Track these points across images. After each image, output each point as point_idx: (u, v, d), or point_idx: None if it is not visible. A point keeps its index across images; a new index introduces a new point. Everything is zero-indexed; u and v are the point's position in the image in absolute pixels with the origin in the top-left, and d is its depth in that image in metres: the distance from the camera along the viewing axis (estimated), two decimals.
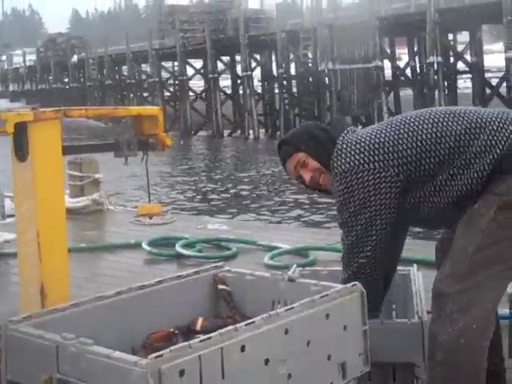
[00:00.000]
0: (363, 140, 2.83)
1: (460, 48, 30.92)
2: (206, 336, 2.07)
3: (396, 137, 2.80)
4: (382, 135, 2.82)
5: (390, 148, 2.78)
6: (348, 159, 2.80)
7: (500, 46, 31.75)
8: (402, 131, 2.81)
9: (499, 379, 2.98)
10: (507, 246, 2.67)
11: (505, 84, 25.87)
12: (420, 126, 2.80)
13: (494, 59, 35.95)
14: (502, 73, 27.39)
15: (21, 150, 2.83)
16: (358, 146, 2.82)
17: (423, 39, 28.13)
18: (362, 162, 2.78)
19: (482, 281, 2.63)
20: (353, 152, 2.81)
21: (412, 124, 2.82)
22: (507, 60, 24.63)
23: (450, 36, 30.23)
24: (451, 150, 2.74)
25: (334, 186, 2.85)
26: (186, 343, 2.00)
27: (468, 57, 29.61)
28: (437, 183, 2.76)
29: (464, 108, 2.87)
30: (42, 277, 2.83)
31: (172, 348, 1.96)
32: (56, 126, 2.86)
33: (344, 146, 2.85)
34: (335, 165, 2.83)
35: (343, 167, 2.80)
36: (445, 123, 2.78)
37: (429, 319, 2.83)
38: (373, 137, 2.83)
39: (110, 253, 6.40)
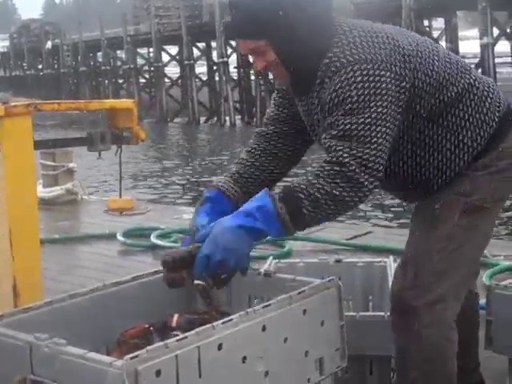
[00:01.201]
0: (380, 37, 2.34)
1: (435, 34, 31.01)
2: (183, 335, 2.04)
3: (416, 57, 2.38)
4: (401, 47, 2.36)
5: (409, 61, 2.35)
6: (367, 46, 2.29)
7: (475, 32, 31.92)
8: (420, 56, 2.40)
9: (475, 373, 2.97)
10: (470, 249, 2.53)
11: (480, 70, 25.99)
12: (436, 62, 2.43)
13: (469, 45, 36.12)
14: (477, 59, 27.54)
15: None
16: (374, 38, 2.32)
17: (398, 25, 28.13)
18: (386, 59, 2.28)
19: (449, 290, 2.48)
20: (370, 43, 2.30)
21: (428, 57, 2.43)
22: (482, 46, 24.75)
23: (426, 22, 30.31)
24: (450, 101, 2.42)
25: (343, 81, 2.26)
26: (162, 343, 1.97)
27: (443, 43, 29.68)
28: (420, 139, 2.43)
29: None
30: (15, 273, 2.79)
31: (148, 348, 1.94)
32: (27, 120, 2.82)
33: (355, 34, 2.33)
34: (348, 54, 2.27)
35: (364, 56, 2.26)
36: (456, 70, 2.45)
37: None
38: (392, 44, 2.35)
39: (85, 244, 6.35)
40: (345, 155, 2.20)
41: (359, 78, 2.23)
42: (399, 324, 2.52)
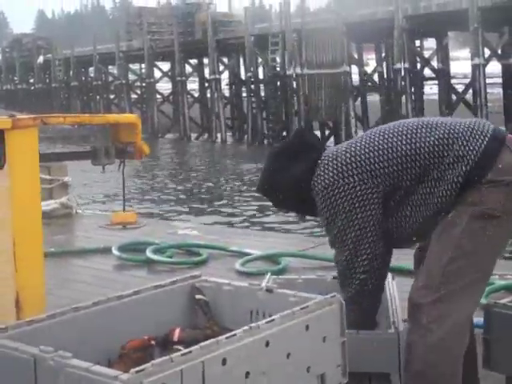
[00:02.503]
0: (338, 156, 2.86)
1: (427, 54, 31.18)
2: (187, 350, 2.05)
3: (372, 149, 2.82)
4: (358, 149, 2.84)
5: (367, 160, 2.80)
6: (326, 175, 2.83)
7: (466, 52, 32.07)
8: (377, 144, 2.82)
9: None
10: (479, 256, 2.70)
11: (471, 90, 26.14)
12: (395, 140, 2.81)
13: (459, 66, 36.30)
14: (468, 79, 27.69)
15: None
16: (334, 162, 2.85)
17: (391, 45, 28.32)
18: (341, 176, 2.81)
19: (455, 291, 2.65)
20: (330, 168, 2.84)
21: (387, 137, 2.83)
22: (473, 67, 24.90)
23: (417, 42, 30.49)
24: (427, 164, 2.76)
25: (318, 206, 2.87)
26: (167, 357, 1.98)
27: (435, 63, 29.86)
28: (416, 198, 2.77)
29: (436, 119, 2.89)
30: (18, 286, 2.79)
31: (154, 362, 1.94)
32: (33, 133, 2.82)
33: (321, 166, 2.87)
34: (315, 184, 2.86)
35: (323, 184, 2.83)
36: (418, 136, 2.79)
37: (405, 328, 2.84)
38: (348, 151, 2.85)
39: (80, 258, 6.34)
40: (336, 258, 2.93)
41: (323, 205, 2.84)
42: (410, 323, 2.71)
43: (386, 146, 2.80)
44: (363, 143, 2.86)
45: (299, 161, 2.94)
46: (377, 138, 2.84)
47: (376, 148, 2.81)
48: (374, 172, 2.78)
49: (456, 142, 2.74)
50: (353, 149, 2.85)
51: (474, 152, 2.71)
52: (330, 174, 2.83)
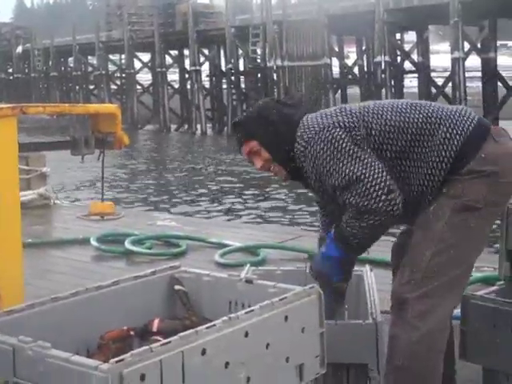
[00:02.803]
0: (328, 112, 2.86)
1: (407, 48, 31.27)
2: (167, 340, 2.05)
3: (360, 113, 2.81)
4: (347, 109, 2.85)
5: (356, 116, 2.79)
6: (317, 122, 2.79)
7: (445, 46, 32.22)
8: (367, 109, 2.82)
9: (451, 381, 3.02)
10: (462, 249, 2.70)
11: (450, 84, 26.26)
12: (385, 110, 2.80)
13: (439, 59, 36.47)
14: (448, 73, 27.81)
15: None
16: (323, 114, 2.84)
17: (371, 38, 28.39)
18: (332, 121, 2.77)
19: (439, 286, 2.66)
20: (319, 119, 2.81)
21: (378, 106, 2.83)
22: (453, 60, 25.01)
23: (398, 36, 30.57)
24: (412, 140, 2.73)
25: (313, 154, 2.76)
26: (146, 347, 1.98)
27: (415, 56, 29.96)
28: (399, 174, 2.74)
29: (425, 102, 2.89)
30: None
31: (133, 352, 1.94)
32: (12, 123, 2.81)
33: (309, 118, 2.84)
34: (305, 136, 2.78)
35: (316, 128, 2.77)
36: (408, 113, 2.77)
37: (385, 320, 2.86)
38: (336, 109, 2.87)
39: (58, 249, 6.32)
40: (351, 199, 2.69)
41: (318, 148, 2.74)
42: (394, 316, 2.72)
43: (376, 112, 2.79)
44: (352, 107, 2.86)
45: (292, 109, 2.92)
46: (368, 104, 2.86)
47: (366, 112, 2.80)
48: (364, 129, 2.76)
49: (443, 123, 2.73)
50: (342, 108, 2.85)
51: (461, 136, 2.70)
52: (321, 120, 2.79)
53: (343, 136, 2.71)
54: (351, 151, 2.69)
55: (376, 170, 2.67)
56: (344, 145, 2.70)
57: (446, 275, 2.67)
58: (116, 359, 1.90)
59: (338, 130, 2.72)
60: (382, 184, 2.65)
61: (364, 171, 2.66)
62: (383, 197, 2.63)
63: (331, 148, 2.71)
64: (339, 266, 2.85)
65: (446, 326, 2.72)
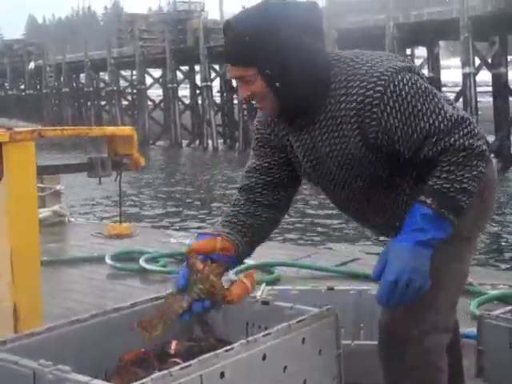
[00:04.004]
0: (374, 55, 2.33)
1: (418, 63, 31.30)
2: (186, 363, 2.06)
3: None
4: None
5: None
6: (377, 62, 2.24)
7: (456, 61, 32.24)
8: None
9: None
10: (458, 277, 2.48)
11: (461, 99, 26.26)
12: None
13: (450, 74, 36.48)
14: (459, 88, 27.81)
15: None
16: (374, 57, 2.29)
17: None
18: (402, 65, 2.25)
19: (437, 321, 2.42)
20: (376, 59, 2.27)
21: None
22: (464, 75, 25.02)
23: (408, 51, 30.62)
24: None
25: (400, 94, 2.18)
26: (166, 371, 1.99)
27: (425, 71, 29.98)
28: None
29: None
30: (15, 297, 2.80)
31: (153, 376, 1.95)
32: (31, 146, 2.84)
33: (355, 56, 2.30)
34: (376, 74, 2.19)
35: (389, 69, 2.20)
36: None
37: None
38: (385, 54, 2.37)
39: (73, 267, 6.33)
40: (461, 141, 2.17)
41: (407, 88, 2.18)
42: (390, 355, 2.46)
43: None
44: None
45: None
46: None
47: None
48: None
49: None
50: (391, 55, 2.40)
51: None
52: (380, 62, 2.24)
53: (422, 81, 2.25)
54: (439, 94, 2.24)
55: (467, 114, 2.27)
56: (430, 87, 2.23)
57: (445, 306, 2.43)
58: (138, 383, 1.91)
59: (412, 74, 2.24)
60: (482, 130, 2.26)
61: (464, 112, 2.25)
62: (484, 139, 2.24)
63: (422, 88, 2.20)
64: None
65: (445, 357, 2.45)
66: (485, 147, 2.20)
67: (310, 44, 2.19)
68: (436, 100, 2.20)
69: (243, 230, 2.49)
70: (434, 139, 2.17)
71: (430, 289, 2.31)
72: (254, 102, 2.31)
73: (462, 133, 2.17)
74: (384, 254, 2.22)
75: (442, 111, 2.18)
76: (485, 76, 29.36)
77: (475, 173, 2.18)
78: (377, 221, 2.46)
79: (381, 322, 2.47)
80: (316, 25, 2.25)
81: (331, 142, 2.28)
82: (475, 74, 25.26)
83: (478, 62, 26.16)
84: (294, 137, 2.39)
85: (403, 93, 2.17)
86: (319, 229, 12.63)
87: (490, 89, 28.72)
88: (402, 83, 2.18)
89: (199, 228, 13.29)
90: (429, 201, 2.16)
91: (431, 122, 2.17)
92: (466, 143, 2.17)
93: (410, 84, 2.18)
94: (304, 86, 2.21)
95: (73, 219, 8.57)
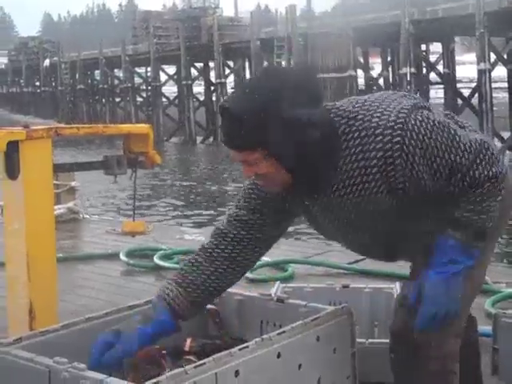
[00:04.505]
0: (376, 98, 2.30)
1: (433, 59, 31.20)
2: (201, 362, 2.07)
3: None
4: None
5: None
6: (387, 109, 2.19)
7: (471, 56, 32.10)
8: None
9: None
10: (474, 280, 2.43)
11: (476, 95, 26.13)
12: None
13: (465, 70, 36.31)
14: (474, 83, 27.68)
15: (12, 169, 2.82)
16: (377, 102, 2.26)
17: (396, 49, 28.35)
18: (409, 103, 2.23)
19: (453, 325, 2.38)
20: (381, 106, 2.22)
21: None
22: (479, 71, 24.88)
23: (423, 47, 30.51)
24: None
25: (417, 138, 2.13)
26: (181, 369, 2.00)
27: (440, 67, 29.87)
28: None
29: None
30: (31, 296, 2.82)
31: (168, 374, 1.96)
32: (47, 144, 2.85)
33: (362, 107, 2.22)
34: (388, 124, 2.14)
35: (399, 114, 2.16)
36: None
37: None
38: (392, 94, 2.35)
39: (87, 263, 6.35)
40: (485, 172, 2.16)
41: (422, 129, 2.15)
42: (406, 361, 2.45)
43: None
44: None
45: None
46: None
47: None
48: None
49: None
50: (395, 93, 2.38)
51: None
52: (386, 107, 2.20)
53: (431, 114, 2.23)
54: (451, 123, 2.22)
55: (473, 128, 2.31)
56: (441, 119, 2.21)
57: (461, 310, 2.39)
58: (152, 381, 1.92)
59: (422, 110, 2.22)
60: (490, 140, 2.26)
61: (476, 135, 2.23)
62: (498, 154, 2.23)
63: (436, 124, 2.16)
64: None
65: (458, 359, 2.45)
66: (503, 166, 2.19)
67: (309, 111, 2.11)
68: (453, 132, 2.17)
69: (196, 292, 2.43)
70: (459, 176, 2.16)
71: None
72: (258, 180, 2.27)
73: (484, 162, 2.16)
74: (419, 283, 2.26)
75: (461, 143, 2.16)
76: (500, 72, 29.20)
77: (500, 198, 2.21)
78: (400, 256, 2.53)
79: (394, 329, 2.48)
80: (311, 88, 2.19)
81: (356, 200, 2.25)
82: (491, 70, 25.10)
83: (493, 57, 26.01)
84: (310, 201, 2.35)
85: (420, 136, 2.13)
86: None
87: (506, 85, 28.59)
88: (416, 127, 2.14)
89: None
90: (458, 235, 2.20)
91: (452, 158, 2.15)
92: (490, 174, 2.16)
93: (423, 125, 2.15)
94: (312, 154, 2.16)
95: (87, 216, 8.59)
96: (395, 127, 2.13)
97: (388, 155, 2.13)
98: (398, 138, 2.12)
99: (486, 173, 2.15)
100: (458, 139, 2.16)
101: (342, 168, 2.20)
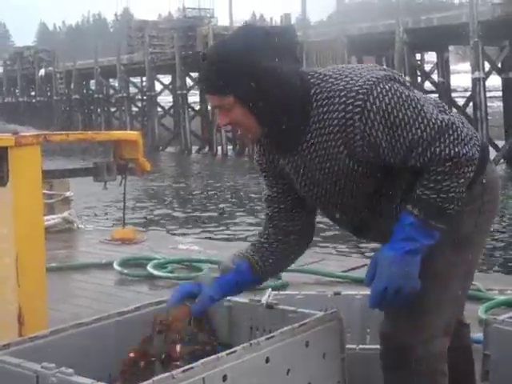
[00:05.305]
0: (354, 68, 2.32)
1: (427, 68, 31.29)
2: (188, 366, 2.07)
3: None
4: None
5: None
6: (357, 75, 2.22)
7: (465, 66, 32.18)
8: None
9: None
10: (462, 283, 2.47)
11: (471, 104, 26.21)
12: None
13: (460, 79, 36.41)
14: (468, 92, 27.77)
15: (1, 175, 2.82)
16: (352, 71, 2.28)
17: (391, 58, 28.44)
18: (381, 74, 2.24)
19: (440, 326, 2.43)
20: (354, 73, 2.25)
21: None
22: (474, 80, 24.98)
23: (418, 56, 30.61)
24: None
25: (379, 106, 2.17)
26: (168, 374, 1.99)
27: (435, 76, 29.96)
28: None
29: None
30: (20, 301, 2.81)
31: (155, 379, 1.96)
32: (36, 150, 2.85)
33: (333, 72, 2.27)
34: (354, 89, 2.18)
35: (368, 81, 2.19)
36: None
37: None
38: (366, 66, 2.36)
39: (81, 273, 6.34)
40: (447, 150, 2.16)
41: (387, 99, 2.17)
42: (394, 363, 2.45)
43: None
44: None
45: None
46: None
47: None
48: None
49: None
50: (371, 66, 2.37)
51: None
52: (359, 74, 2.23)
53: (403, 88, 2.23)
54: (422, 100, 2.22)
55: (455, 116, 2.27)
56: (412, 94, 2.21)
57: (448, 312, 2.44)
58: None
59: (393, 82, 2.23)
60: (471, 130, 2.23)
61: (449, 116, 2.22)
62: (474, 140, 2.20)
63: (403, 97, 2.18)
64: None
65: (446, 360, 2.45)
66: (473, 151, 2.18)
67: (284, 67, 2.19)
68: (419, 107, 2.18)
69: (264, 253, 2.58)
70: (420, 150, 2.17)
71: (433, 294, 2.37)
72: (235, 127, 2.32)
73: (447, 141, 2.16)
74: (374, 260, 2.28)
75: (425, 119, 2.17)
76: (495, 81, 29.31)
77: (463, 180, 2.19)
78: (373, 231, 2.48)
79: (382, 331, 2.48)
80: (290, 47, 2.26)
81: (320, 160, 2.30)
82: (485, 79, 25.20)
83: (487, 66, 26.11)
84: (284, 160, 2.40)
85: (383, 104, 2.16)
86: (327, 234, 12.60)
87: (500, 94, 28.68)
88: (381, 94, 2.17)
89: (208, 235, 13.28)
90: (416, 211, 2.20)
91: (414, 131, 2.16)
92: (452, 152, 2.16)
93: (389, 94, 2.18)
94: (283, 108, 2.23)
95: (82, 226, 8.59)
96: (360, 91, 2.17)
97: (349, 117, 2.17)
98: (360, 102, 2.16)
99: (447, 151, 2.15)
100: (423, 114, 2.17)
101: (311, 127, 2.26)
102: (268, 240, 2.57)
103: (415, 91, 2.30)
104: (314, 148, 2.29)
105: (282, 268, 2.75)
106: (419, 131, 2.16)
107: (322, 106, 2.23)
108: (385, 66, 2.40)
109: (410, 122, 2.17)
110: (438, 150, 2.15)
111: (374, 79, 2.20)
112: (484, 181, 2.38)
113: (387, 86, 2.19)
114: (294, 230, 2.55)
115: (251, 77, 2.17)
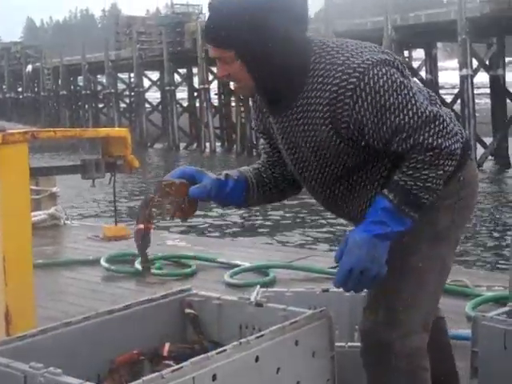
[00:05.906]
0: (359, 45, 2.34)
1: (415, 65, 31.34)
2: (178, 366, 2.05)
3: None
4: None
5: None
6: (356, 54, 2.24)
7: (453, 63, 32.27)
8: None
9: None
10: (440, 277, 2.48)
11: (459, 101, 26.29)
12: None
13: (448, 76, 36.51)
14: (456, 90, 27.85)
15: None
16: (357, 47, 2.30)
17: None
18: (383, 57, 2.26)
19: (419, 322, 2.43)
20: (356, 51, 2.27)
21: None
22: (461, 77, 25.05)
23: (406, 53, 30.66)
24: None
25: (373, 87, 2.19)
26: (158, 373, 1.98)
27: (423, 73, 30.02)
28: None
29: None
30: (7, 300, 2.79)
31: (144, 379, 1.94)
32: (24, 148, 2.83)
33: (335, 45, 2.29)
34: (352, 65, 2.20)
35: (367, 61, 2.21)
36: None
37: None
38: (369, 45, 2.37)
39: (68, 269, 6.33)
40: (429, 140, 2.18)
41: (382, 81, 2.19)
42: (375, 360, 2.47)
43: None
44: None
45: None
46: None
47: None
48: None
49: None
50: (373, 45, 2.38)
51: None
52: (361, 54, 2.25)
53: (399, 74, 2.25)
54: (414, 89, 2.24)
55: (444, 110, 2.29)
56: (406, 82, 2.23)
57: (426, 307, 2.45)
58: None
59: (390, 67, 2.24)
60: (457, 126, 2.27)
61: (438, 109, 2.24)
62: (458, 137, 2.23)
63: (397, 82, 2.20)
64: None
65: (426, 356, 2.46)
66: (455, 146, 2.21)
67: (289, 29, 2.22)
68: (410, 95, 2.20)
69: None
70: (404, 136, 2.19)
71: (410, 289, 2.39)
72: (231, 80, 2.35)
73: (432, 131, 2.18)
74: (345, 240, 2.29)
75: (415, 107, 2.19)
76: (482, 78, 29.40)
77: (441, 172, 2.21)
78: (348, 209, 2.46)
79: (362, 328, 2.49)
80: (298, 10, 2.27)
81: (305, 127, 2.32)
82: (473, 76, 25.28)
83: (475, 63, 26.18)
84: (273, 119, 2.43)
85: (376, 86, 2.18)
86: (315, 230, 12.64)
87: (488, 91, 28.78)
88: (376, 76, 2.19)
89: (196, 231, 13.26)
90: (391, 196, 2.21)
91: (401, 117, 2.19)
92: (435, 143, 2.18)
93: (384, 78, 2.19)
94: (281, 73, 2.26)
95: (68, 222, 8.55)
96: (357, 69, 2.19)
97: (341, 92, 2.19)
98: (354, 80, 2.18)
99: (430, 141, 2.18)
100: (413, 102, 2.19)
101: (304, 94, 2.27)
102: (264, 168, 2.60)
103: (411, 80, 2.31)
104: (302, 115, 2.31)
105: (272, 198, 2.68)
106: (406, 117, 2.18)
107: (318, 75, 2.25)
108: (388, 50, 2.39)
109: (399, 108, 2.19)
110: (421, 138, 2.18)
111: (373, 60, 2.21)
112: (462, 178, 2.40)
113: (384, 70, 2.21)
114: (279, 178, 2.59)
115: (257, 38, 2.19)
